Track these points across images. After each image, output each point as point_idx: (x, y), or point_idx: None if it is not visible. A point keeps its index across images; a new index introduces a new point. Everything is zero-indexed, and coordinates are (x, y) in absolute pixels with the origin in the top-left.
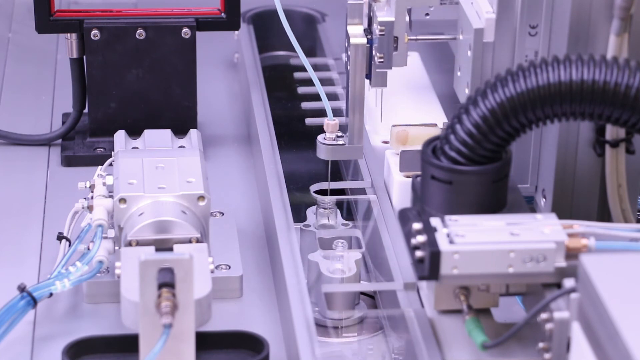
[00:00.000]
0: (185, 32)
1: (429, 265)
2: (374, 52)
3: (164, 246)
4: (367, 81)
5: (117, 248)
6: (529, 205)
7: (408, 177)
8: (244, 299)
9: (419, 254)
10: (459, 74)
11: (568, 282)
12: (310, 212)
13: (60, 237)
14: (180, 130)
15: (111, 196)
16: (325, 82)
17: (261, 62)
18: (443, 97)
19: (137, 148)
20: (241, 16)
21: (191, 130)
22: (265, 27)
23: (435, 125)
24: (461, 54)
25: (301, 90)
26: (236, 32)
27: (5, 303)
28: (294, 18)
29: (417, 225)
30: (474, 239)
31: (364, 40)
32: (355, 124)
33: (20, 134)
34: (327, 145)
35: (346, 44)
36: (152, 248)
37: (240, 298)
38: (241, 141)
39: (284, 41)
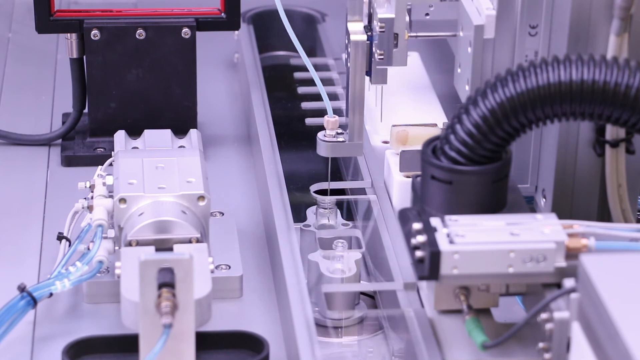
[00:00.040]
0: (185, 32)
1: (429, 265)
2: (374, 49)
3: (164, 246)
4: (367, 81)
5: (117, 248)
6: (529, 205)
7: (408, 177)
8: (244, 299)
9: (419, 254)
10: (459, 70)
11: (568, 282)
12: (310, 212)
13: (60, 237)
14: (180, 130)
15: (111, 196)
16: (325, 82)
17: (261, 62)
18: (443, 97)
19: (137, 148)
20: (241, 16)
21: (191, 130)
22: (265, 27)
23: (435, 125)
24: (461, 50)
25: (301, 90)
26: (236, 32)
27: (5, 303)
28: (294, 18)
29: (417, 225)
30: (474, 239)
31: (364, 37)
32: (355, 122)
33: (20, 134)
34: (327, 142)
35: (346, 41)
36: (152, 248)
37: (240, 298)
38: (241, 141)
39: (284, 41)
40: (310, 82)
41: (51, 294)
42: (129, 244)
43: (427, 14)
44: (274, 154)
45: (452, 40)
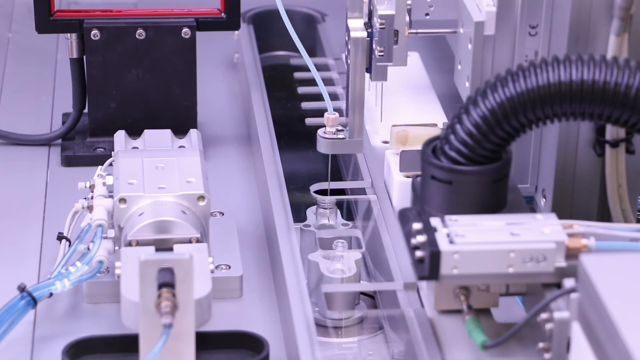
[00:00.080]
0: (185, 32)
1: (429, 265)
2: (374, 45)
3: (164, 246)
4: (367, 81)
5: (117, 248)
6: (529, 205)
7: (408, 177)
8: (244, 299)
9: (419, 254)
10: (459, 67)
11: (568, 282)
12: (310, 212)
13: (60, 237)
14: (180, 130)
15: (111, 196)
16: (325, 82)
17: (261, 62)
18: (443, 97)
19: (137, 148)
20: (241, 16)
21: (191, 130)
22: (265, 27)
23: (435, 125)
24: (462, 47)
25: (301, 90)
26: (236, 32)
27: (5, 303)
28: (294, 18)
29: (417, 225)
30: (474, 239)
31: (364, 34)
32: (355, 120)
33: (20, 134)
34: (327, 139)
35: (346, 38)
36: (152, 248)
37: (240, 298)
38: (241, 141)
39: (284, 41)
40: (310, 82)
41: (51, 294)
42: (129, 244)
43: (427, 14)
44: (274, 154)
45: (452, 39)
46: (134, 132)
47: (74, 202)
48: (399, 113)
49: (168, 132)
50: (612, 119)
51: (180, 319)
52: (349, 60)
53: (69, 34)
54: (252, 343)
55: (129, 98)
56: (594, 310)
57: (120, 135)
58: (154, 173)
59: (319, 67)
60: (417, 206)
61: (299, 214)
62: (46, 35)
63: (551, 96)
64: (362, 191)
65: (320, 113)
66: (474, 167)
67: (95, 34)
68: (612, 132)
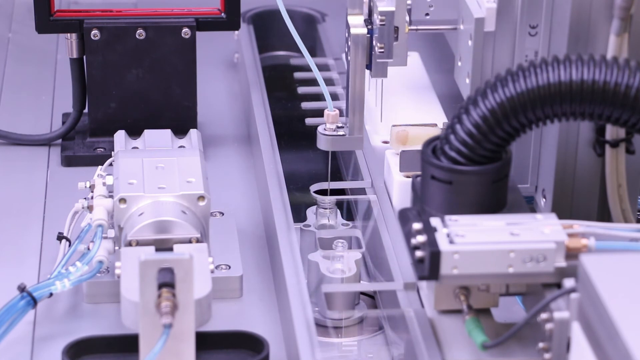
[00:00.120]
0: (185, 32)
1: (429, 265)
2: (374, 42)
3: (164, 246)
4: (367, 81)
5: (117, 248)
6: (529, 205)
7: (408, 177)
8: (244, 299)
9: (419, 254)
10: (459, 64)
11: (568, 282)
12: (310, 212)
13: (60, 237)
14: (180, 130)
15: (111, 196)
16: (325, 82)
17: (261, 62)
18: (443, 97)
19: (137, 148)
20: (241, 16)
21: (191, 130)
22: (265, 27)
23: (435, 125)
24: (462, 44)
25: (301, 90)
26: (236, 32)
27: (5, 303)
28: (294, 18)
29: (417, 225)
30: (474, 239)
31: (364, 30)
32: (355, 115)
33: (20, 134)
34: (327, 135)
35: (346, 34)
36: (152, 248)
37: (240, 298)
38: (241, 141)
39: (284, 41)
40: (310, 82)
41: (51, 294)
42: (129, 244)
43: (427, 14)
44: (274, 154)
45: (452, 39)
46: (134, 132)
47: (74, 202)
48: (399, 113)
49: (168, 132)
50: (612, 119)
51: (180, 319)
52: (349, 57)
53: (69, 34)
54: (252, 343)
55: (129, 98)
56: (594, 310)
57: (120, 135)
58: (154, 173)
59: (319, 67)
60: (417, 206)
61: (299, 214)
62: (46, 35)
63: (551, 96)
64: (362, 191)
65: (320, 113)
66: (474, 167)
67: (95, 34)
68: (612, 132)
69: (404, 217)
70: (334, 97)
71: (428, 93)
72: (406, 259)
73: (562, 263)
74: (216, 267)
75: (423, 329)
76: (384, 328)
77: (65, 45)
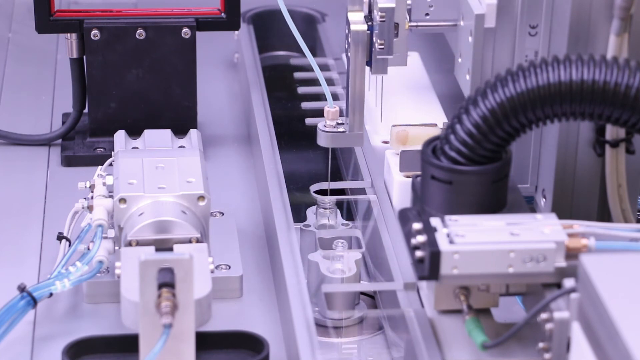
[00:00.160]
0: (185, 32)
1: (429, 265)
2: (374, 38)
3: (164, 246)
4: (367, 81)
5: (117, 248)
6: (529, 205)
7: (408, 177)
8: (244, 299)
9: (419, 254)
10: (460, 60)
11: (568, 282)
12: (310, 212)
13: (60, 237)
14: (180, 130)
15: (111, 196)
16: (325, 82)
17: (261, 62)
18: (443, 97)
19: (137, 148)
20: (241, 16)
21: (191, 130)
22: (265, 27)
23: (435, 125)
24: (462, 40)
25: (301, 90)
26: (236, 32)
27: (5, 303)
28: (294, 18)
29: (417, 225)
30: (474, 239)
31: (364, 27)
32: (355, 113)
33: (20, 134)
34: (327, 132)
35: (347, 31)
36: (152, 248)
37: (240, 298)
38: (241, 141)
39: (284, 41)
40: (310, 82)
41: (51, 294)
42: (129, 244)
43: (427, 14)
44: (274, 154)
45: (452, 39)
46: (134, 132)
47: (74, 202)
48: (399, 113)
49: (168, 132)
50: (612, 119)
51: (180, 319)
52: (349, 54)
53: (69, 34)
54: (252, 343)
55: (129, 98)
56: (594, 310)
57: (120, 135)
58: (154, 173)
59: (319, 67)
60: (417, 206)
61: (299, 214)
62: (46, 35)
63: (551, 96)
64: (362, 191)
65: (320, 113)
66: (474, 167)
67: (95, 34)
68: (612, 132)
69: (404, 217)
70: (334, 97)
71: (428, 93)
72: (406, 259)
73: (562, 263)
74: (216, 267)
75: (423, 329)
76: (384, 328)
77: (65, 45)
